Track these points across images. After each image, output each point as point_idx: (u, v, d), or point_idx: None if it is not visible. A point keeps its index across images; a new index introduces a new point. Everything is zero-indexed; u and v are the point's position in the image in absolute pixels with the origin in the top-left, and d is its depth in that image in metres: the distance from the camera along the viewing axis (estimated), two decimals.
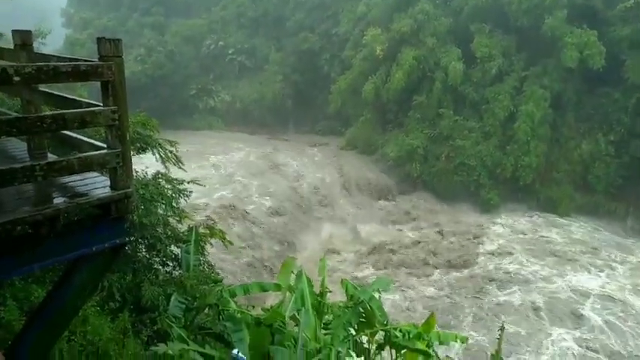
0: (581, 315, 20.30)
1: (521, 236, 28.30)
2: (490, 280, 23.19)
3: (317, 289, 7.41)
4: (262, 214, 26.75)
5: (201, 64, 50.51)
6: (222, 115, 48.15)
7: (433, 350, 6.97)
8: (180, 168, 9.34)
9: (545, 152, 32.40)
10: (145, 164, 8.84)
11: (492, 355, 7.43)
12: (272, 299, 14.74)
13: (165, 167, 9.18)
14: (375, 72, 38.23)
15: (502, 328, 7.84)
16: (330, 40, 46.19)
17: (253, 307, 7.72)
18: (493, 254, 25.91)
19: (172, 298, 7.15)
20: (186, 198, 8.80)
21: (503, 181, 32.82)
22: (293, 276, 7.47)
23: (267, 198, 28.79)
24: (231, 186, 29.89)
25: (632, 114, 31.06)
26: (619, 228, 29.81)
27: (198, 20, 52.77)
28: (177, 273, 8.19)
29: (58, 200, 3.94)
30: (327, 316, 7.44)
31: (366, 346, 7.29)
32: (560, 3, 32.35)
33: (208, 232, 8.95)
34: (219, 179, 30.86)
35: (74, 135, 4.63)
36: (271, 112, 46.79)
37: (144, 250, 8.23)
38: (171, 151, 9.09)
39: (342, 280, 8.10)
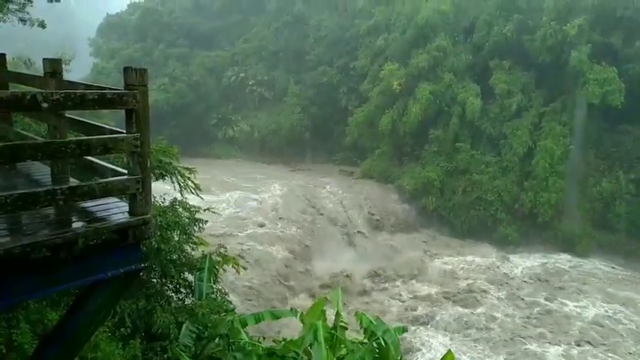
0: None
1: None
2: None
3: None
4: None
5: (222, 94, 51.62)
6: (240, 145, 48.84)
7: None
8: (198, 196, 9.42)
9: (564, 189, 31.93)
10: (162, 191, 8.96)
11: None
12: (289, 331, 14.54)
13: (182, 195, 9.26)
14: (392, 105, 38.59)
15: None
16: (348, 73, 46.94)
17: (264, 338, 7.61)
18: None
19: (184, 326, 7.10)
20: (203, 226, 8.84)
21: (522, 217, 32.35)
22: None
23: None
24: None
25: None
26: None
27: (220, 52, 54.20)
28: (189, 301, 8.14)
29: (77, 224, 3.99)
30: (341, 351, 7.28)
31: None
32: (582, 39, 32.51)
33: (222, 259, 8.93)
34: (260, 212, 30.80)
35: (96, 160, 4.73)
36: (288, 142, 47.29)
37: (157, 276, 8.23)
38: (189, 179, 9.20)
39: (356, 312, 7.96)
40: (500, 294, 25.19)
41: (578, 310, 23.68)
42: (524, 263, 29.22)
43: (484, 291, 25.27)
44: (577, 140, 32.74)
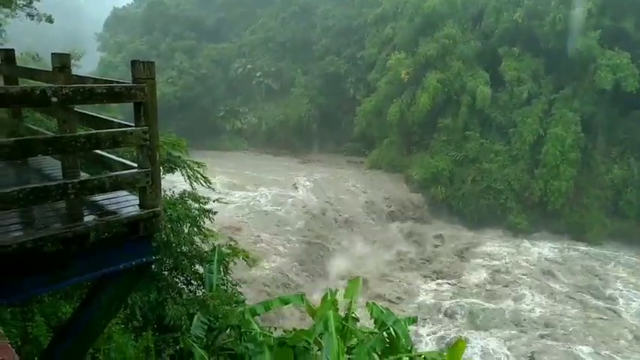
0: None
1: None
2: None
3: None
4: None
5: (229, 86, 51.61)
6: (248, 137, 48.93)
7: None
8: (209, 187, 9.46)
9: (575, 176, 31.61)
10: (174, 183, 9.00)
11: None
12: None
13: (192, 187, 9.30)
14: (400, 95, 38.33)
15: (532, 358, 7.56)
16: (355, 63, 46.65)
17: (275, 328, 7.66)
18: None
19: (195, 318, 7.16)
20: (211, 219, 8.87)
21: (532, 206, 32.13)
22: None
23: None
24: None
25: None
26: None
27: (227, 44, 54.11)
28: (200, 292, 8.20)
29: (88, 218, 4.02)
30: (352, 341, 7.31)
31: None
32: (591, 24, 31.97)
33: (231, 251, 8.97)
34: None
35: (106, 154, 4.75)
36: (296, 133, 47.25)
37: (168, 268, 8.30)
38: (198, 171, 9.23)
39: (367, 302, 7.98)
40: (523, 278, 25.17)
41: None
42: (539, 251, 29.18)
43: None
44: (588, 127, 32.34)
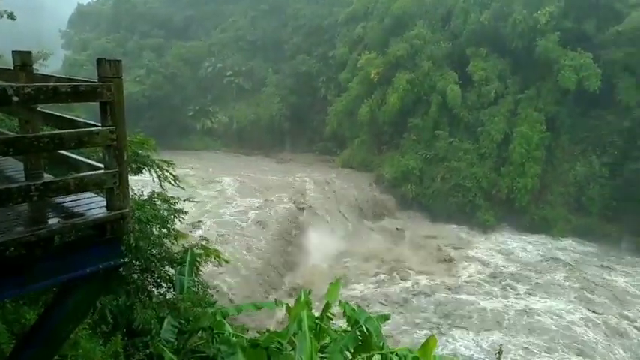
0: None
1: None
2: None
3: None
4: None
5: (199, 85, 50.96)
6: (219, 136, 48.43)
7: None
8: (179, 187, 9.32)
9: (539, 174, 32.57)
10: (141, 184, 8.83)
11: None
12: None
13: (162, 187, 9.14)
14: (371, 95, 38.69)
15: (500, 351, 7.76)
16: (327, 62, 46.80)
17: (248, 330, 7.62)
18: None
19: (165, 321, 7.04)
20: (181, 219, 8.74)
21: (499, 203, 32.95)
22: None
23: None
24: None
25: (625, 136, 31.40)
26: (616, 250, 29.82)
27: (197, 43, 53.42)
28: (170, 295, 8.08)
29: (53, 221, 3.90)
30: (325, 340, 7.34)
31: None
32: (552, 26, 32.98)
33: (203, 252, 8.86)
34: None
35: (71, 155, 4.62)
36: (268, 133, 47.09)
37: (138, 271, 8.13)
38: (167, 171, 9.06)
39: (339, 301, 8.02)
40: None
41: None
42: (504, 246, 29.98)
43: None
44: (552, 126, 33.37)
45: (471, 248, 29.50)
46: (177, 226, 8.84)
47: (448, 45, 37.80)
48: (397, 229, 31.40)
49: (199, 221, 25.42)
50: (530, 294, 24.12)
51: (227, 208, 29.06)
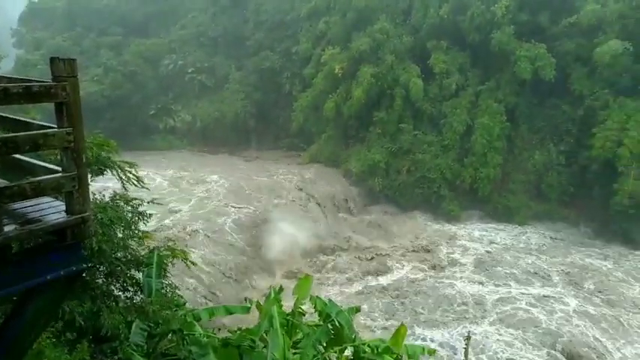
0: None
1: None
2: None
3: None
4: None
5: (160, 83, 49.84)
6: (183, 135, 47.55)
7: None
8: (143, 187, 9.09)
9: (501, 163, 33.51)
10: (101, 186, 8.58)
11: None
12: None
13: (125, 189, 8.90)
14: (336, 90, 38.80)
15: (468, 337, 7.97)
16: (290, 58, 46.61)
17: (219, 329, 7.55)
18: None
19: (134, 325, 6.90)
20: (146, 220, 8.54)
21: (463, 193, 33.73)
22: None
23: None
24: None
25: (579, 125, 32.67)
26: (574, 234, 31.10)
27: (156, 40, 52.20)
28: (138, 298, 7.90)
29: (9, 227, 3.74)
30: (298, 336, 7.36)
31: None
32: (507, 19, 33.88)
33: (170, 253, 8.70)
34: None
35: (26, 159, 4.45)
36: (233, 130, 46.57)
37: (102, 276, 7.91)
38: (130, 172, 8.83)
39: (310, 296, 8.04)
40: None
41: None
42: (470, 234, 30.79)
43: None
44: (511, 116, 34.36)
45: (438, 238, 30.12)
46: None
47: (410, 39, 38.27)
48: (370, 222, 31.79)
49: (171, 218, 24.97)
50: (500, 280, 24.84)
51: (207, 209, 28.70)
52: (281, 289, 8.00)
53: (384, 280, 24.80)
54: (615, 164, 29.35)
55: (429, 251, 28.11)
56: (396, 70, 36.70)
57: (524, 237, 30.80)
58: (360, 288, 23.89)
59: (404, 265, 26.53)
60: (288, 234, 27.37)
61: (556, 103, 33.96)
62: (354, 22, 40.15)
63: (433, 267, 26.25)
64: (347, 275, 25.13)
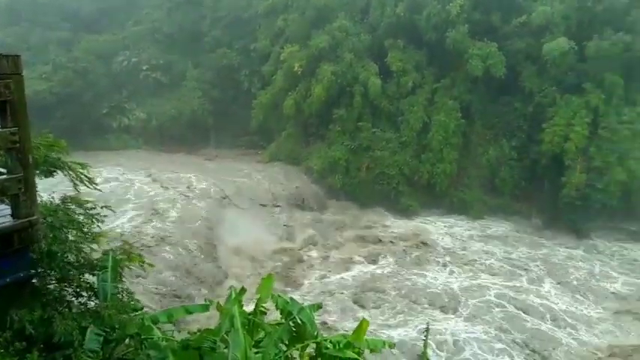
0: None
1: None
2: None
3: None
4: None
5: (113, 81, 48.20)
6: (138, 134, 46.20)
7: (363, 357, 7.08)
8: (95, 189, 8.78)
9: (457, 159, 34.45)
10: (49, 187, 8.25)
11: (419, 355, 7.69)
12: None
13: (77, 190, 8.57)
14: (295, 87, 38.76)
15: (427, 329, 8.16)
16: (248, 55, 46.19)
17: (179, 331, 7.42)
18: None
19: (88, 331, 6.66)
20: (99, 223, 8.26)
21: (421, 188, 34.50)
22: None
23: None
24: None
25: (530, 121, 34.02)
26: (526, 226, 32.42)
27: (109, 36, 50.46)
28: (93, 304, 7.63)
29: None
30: (259, 335, 7.33)
31: None
32: (462, 18, 34.83)
33: (126, 257, 8.44)
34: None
35: None
36: (190, 128, 45.66)
37: (54, 281, 7.60)
38: (82, 173, 8.50)
39: (272, 295, 8.02)
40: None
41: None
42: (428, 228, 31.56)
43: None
44: (466, 113, 35.36)
45: (397, 233, 30.71)
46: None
47: (368, 37, 38.69)
48: (331, 219, 31.99)
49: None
50: (461, 271, 25.64)
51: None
52: (243, 289, 7.95)
53: (348, 276, 24.99)
54: (563, 158, 30.81)
55: (389, 245, 28.60)
56: (355, 68, 37.04)
57: (479, 229, 31.85)
58: (324, 284, 23.98)
59: (367, 260, 26.81)
60: (249, 234, 27.19)
61: (508, 100, 35.20)
62: (313, 20, 40.20)
63: (395, 261, 26.70)
64: (311, 273, 25.17)
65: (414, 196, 34.21)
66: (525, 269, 26.20)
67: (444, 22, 35.19)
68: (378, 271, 25.59)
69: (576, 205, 30.10)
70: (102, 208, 8.38)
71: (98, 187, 8.69)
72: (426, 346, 7.41)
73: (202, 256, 23.87)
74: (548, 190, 32.45)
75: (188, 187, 31.57)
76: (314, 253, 27.45)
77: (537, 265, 26.66)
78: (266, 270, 23.40)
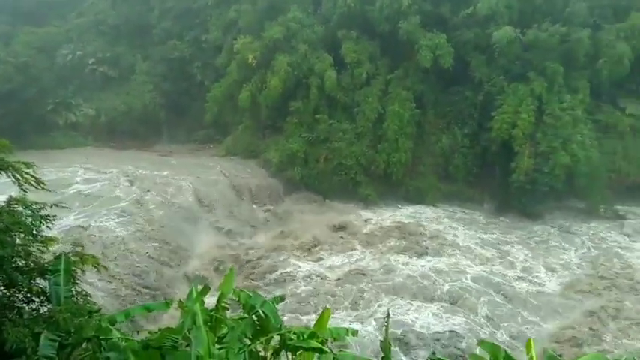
0: None
1: None
2: None
3: None
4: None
5: (58, 76, 45.94)
6: (87, 131, 44.31)
7: (327, 346, 7.18)
8: (43, 189, 8.40)
9: (412, 148, 35.15)
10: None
11: (381, 341, 7.87)
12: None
13: (24, 191, 8.17)
14: (250, 79, 38.30)
15: (388, 315, 8.35)
16: (200, 47, 45.18)
17: (138, 332, 7.27)
18: None
19: (42, 336, 6.42)
20: (49, 224, 7.92)
21: (378, 178, 35.04)
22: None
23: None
24: None
25: (480, 109, 35.13)
26: (479, 210, 33.64)
27: (51, 28, 48.03)
28: (45, 308, 7.35)
29: None
30: (222, 330, 7.29)
31: (262, 353, 7.28)
32: (414, 9, 35.42)
33: (79, 259, 8.15)
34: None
35: None
36: (142, 123, 44.29)
37: (2, 287, 7.25)
38: (28, 173, 8.10)
39: (233, 290, 7.99)
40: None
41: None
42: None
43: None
44: (420, 103, 36.08)
45: (357, 221, 31.13)
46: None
47: (321, 28, 38.66)
48: (291, 211, 32.00)
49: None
50: (422, 256, 26.32)
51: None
52: (206, 287, 7.87)
53: (313, 268, 24.98)
54: (512, 144, 32.08)
55: (352, 233, 28.96)
56: (310, 59, 36.97)
57: (434, 215, 32.74)
58: (290, 278, 23.87)
59: (331, 251, 26.91)
60: (212, 231, 26.87)
61: (459, 90, 36.19)
62: (266, 11, 39.75)
63: (358, 246, 27.11)
64: (273, 268, 25.00)
65: (371, 186, 34.70)
66: (481, 250, 27.22)
67: (396, 13, 35.62)
68: (340, 262, 25.77)
69: (526, 189, 31.45)
70: (51, 207, 8.04)
71: (46, 188, 8.29)
72: (387, 331, 7.58)
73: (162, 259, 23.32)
74: (499, 176, 33.75)
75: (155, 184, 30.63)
76: (274, 247, 27.31)
77: (492, 247, 27.74)
78: (225, 267, 23.15)
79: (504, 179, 32.66)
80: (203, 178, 32.29)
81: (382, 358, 7.22)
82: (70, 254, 8.14)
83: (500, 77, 34.24)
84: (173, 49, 45.00)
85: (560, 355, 8.52)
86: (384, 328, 8.17)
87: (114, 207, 26.21)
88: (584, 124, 33.02)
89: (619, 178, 34.33)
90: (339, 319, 19.31)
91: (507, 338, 19.34)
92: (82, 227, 22.67)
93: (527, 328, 20.18)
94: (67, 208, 9.92)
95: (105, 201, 27.16)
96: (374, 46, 37.77)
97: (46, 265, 7.72)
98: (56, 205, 8.58)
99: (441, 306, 21.21)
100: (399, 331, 18.80)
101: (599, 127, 34.46)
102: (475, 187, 35.08)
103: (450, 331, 19.15)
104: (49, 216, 7.93)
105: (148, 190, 28.91)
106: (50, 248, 7.96)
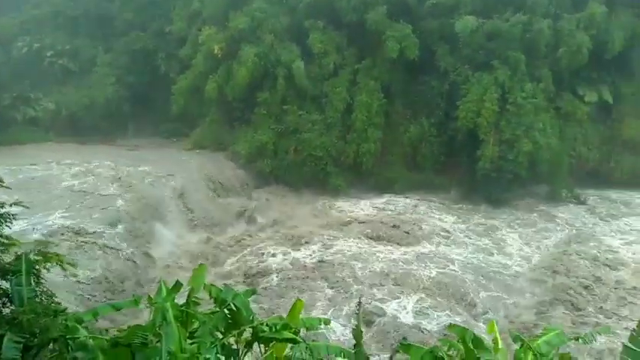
0: None
1: None
2: None
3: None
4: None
5: (13, 69, 44.18)
6: (47, 126, 42.78)
7: (300, 337, 7.23)
8: (5, 187, 8.09)
9: (380, 138, 35.45)
10: None
11: (353, 328, 7.96)
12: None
13: None
14: (216, 70, 37.74)
15: (359, 303, 8.46)
16: (164, 38, 44.14)
17: (107, 330, 7.13)
18: None
19: (5, 339, 6.23)
20: (8, 224, 7.64)
21: (348, 168, 35.27)
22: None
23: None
24: None
25: (446, 99, 35.62)
26: (447, 198, 34.31)
27: (5, 20, 46.04)
28: (7, 310, 7.13)
29: None
30: (194, 325, 7.24)
31: (234, 347, 7.27)
32: (381, 0, 35.51)
33: (42, 258, 7.91)
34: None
35: None
36: (105, 117, 43.01)
37: None
38: None
39: (204, 284, 7.92)
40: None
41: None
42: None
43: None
44: (387, 93, 36.36)
45: (330, 210, 31.38)
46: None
47: (287, 18, 38.34)
48: (264, 203, 31.84)
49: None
50: (398, 244, 26.56)
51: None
52: (178, 283, 7.78)
53: (287, 259, 24.75)
54: (477, 133, 32.72)
55: (325, 224, 28.94)
56: (277, 49, 36.64)
57: (403, 204, 33.17)
58: (264, 271, 23.70)
59: (306, 241, 26.68)
60: (178, 230, 26.49)
61: (426, 80, 36.54)
62: (230, 0, 39.11)
63: (332, 235, 27.15)
64: (247, 261, 24.82)
65: (341, 177, 34.86)
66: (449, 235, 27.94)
67: (362, 2, 35.66)
68: (314, 252, 25.76)
69: (492, 176, 32.19)
70: (11, 205, 7.76)
71: (5, 185, 8.00)
72: (359, 319, 7.68)
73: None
74: (465, 164, 34.41)
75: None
76: (246, 240, 27.15)
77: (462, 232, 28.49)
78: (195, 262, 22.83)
79: (471, 167, 33.35)
80: (174, 170, 31.75)
81: (354, 345, 7.30)
82: (31, 254, 7.90)
83: (465, 67, 34.75)
84: (136, 40, 43.85)
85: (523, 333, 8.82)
86: (355, 315, 8.29)
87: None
88: (546, 111, 34.01)
89: (579, 164, 35.66)
90: (319, 310, 19.33)
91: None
92: None
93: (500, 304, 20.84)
94: (27, 207, 9.56)
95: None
96: (341, 36, 37.70)
97: (7, 265, 7.48)
98: (17, 204, 8.30)
99: (422, 294, 21.40)
100: (372, 319, 18.98)
101: (559, 115, 35.59)
102: (443, 176, 35.70)
103: (425, 316, 19.46)
104: (7, 214, 7.67)
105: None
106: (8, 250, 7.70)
